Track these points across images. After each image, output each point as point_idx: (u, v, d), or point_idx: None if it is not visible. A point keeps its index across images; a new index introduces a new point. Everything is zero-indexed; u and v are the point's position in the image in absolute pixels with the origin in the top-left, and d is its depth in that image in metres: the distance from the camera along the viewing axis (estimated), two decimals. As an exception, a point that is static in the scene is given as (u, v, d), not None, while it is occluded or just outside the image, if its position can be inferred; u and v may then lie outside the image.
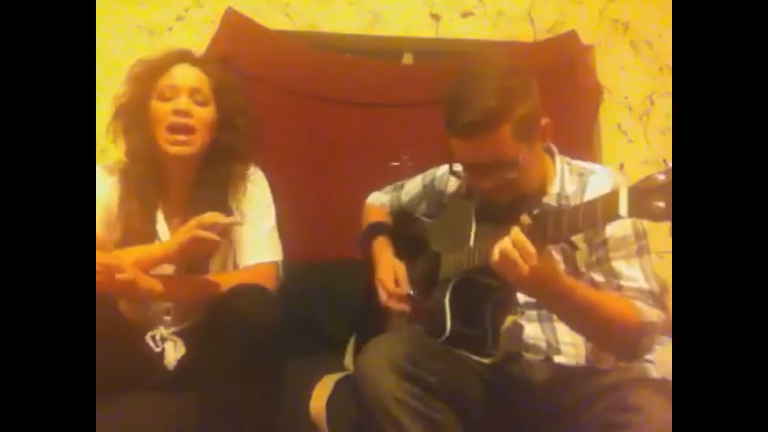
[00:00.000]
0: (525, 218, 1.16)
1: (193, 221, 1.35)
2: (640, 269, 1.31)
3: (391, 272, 1.59)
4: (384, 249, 1.66)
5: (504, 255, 1.14)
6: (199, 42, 2.25)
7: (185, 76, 1.49)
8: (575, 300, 1.22)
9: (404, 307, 1.56)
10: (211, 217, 1.34)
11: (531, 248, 1.12)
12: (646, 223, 1.33)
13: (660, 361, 1.64)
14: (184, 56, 1.55)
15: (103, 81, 2.13)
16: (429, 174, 1.68)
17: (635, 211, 1.01)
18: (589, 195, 1.33)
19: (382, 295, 1.57)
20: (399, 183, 1.77)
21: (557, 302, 1.24)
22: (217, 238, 1.33)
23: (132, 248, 1.41)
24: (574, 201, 1.36)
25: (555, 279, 1.19)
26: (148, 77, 1.50)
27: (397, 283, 1.57)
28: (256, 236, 1.52)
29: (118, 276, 1.27)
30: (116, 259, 1.29)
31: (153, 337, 1.46)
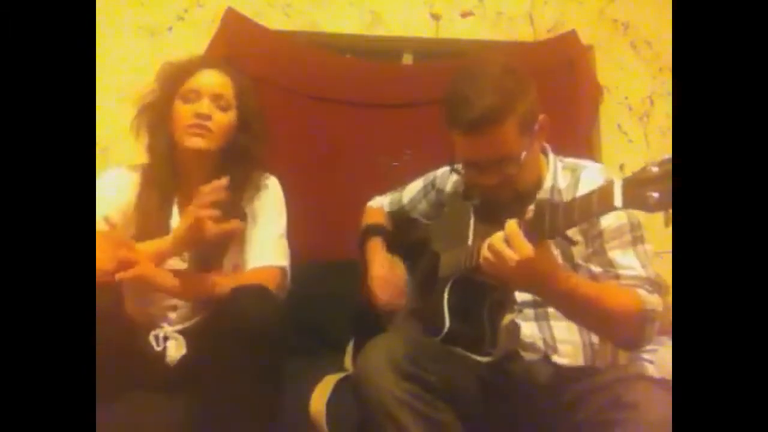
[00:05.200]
0: (530, 209, 1.17)
1: (192, 205, 1.38)
2: (636, 257, 1.32)
3: (382, 271, 1.59)
4: (377, 249, 1.67)
5: (491, 248, 1.16)
6: (199, 42, 2.26)
7: (209, 81, 1.54)
8: (575, 293, 1.22)
9: (400, 303, 1.56)
10: (208, 188, 1.37)
11: (524, 240, 1.13)
12: (642, 218, 1.34)
13: (660, 361, 1.64)
14: (210, 61, 1.61)
15: (103, 81, 2.15)
16: (430, 174, 1.71)
17: (630, 202, 1.02)
18: (582, 189, 1.35)
19: (380, 296, 1.57)
20: (401, 187, 1.78)
21: (556, 296, 1.24)
22: (216, 212, 1.35)
23: (142, 243, 1.44)
24: (567, 195, 1.38)
25: (552, 272, 1.20)
26: (175, 79, 1.55)
27: (391, 274, 1.57)
28: (265, 240, 1.55)
29: (132, 270, 1.31)
30: (133, 253, 1.34)
31: (156, 336, 1.46)
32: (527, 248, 1.13)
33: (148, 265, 1.36)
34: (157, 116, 1.55)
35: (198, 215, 1.35)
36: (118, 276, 1.30)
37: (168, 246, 1.42)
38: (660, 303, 1.30)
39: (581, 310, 1.26)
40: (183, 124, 1.50)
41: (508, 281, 1.21)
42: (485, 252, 1.19)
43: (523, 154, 1.33)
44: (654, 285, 1.31)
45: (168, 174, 1.55)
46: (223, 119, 1.53)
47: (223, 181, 1.37)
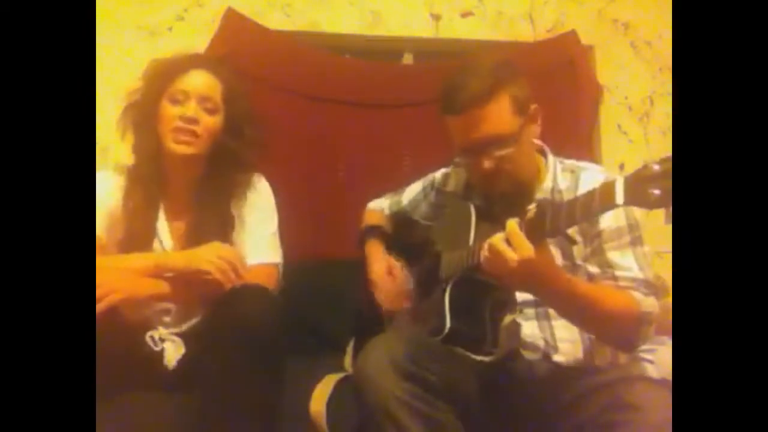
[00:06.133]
0: (531, 208, 1.18)
1: (216, 251, 1.39)
2: (634, 259, 1.33)
3: (383, 271, 1.60)
4: (376, 251, 1.67)
5: (492, 248, 1.17)
6: (199, 42, 2.25)
7: (198, 82, 1.51)
8: (573, 294, 1.23)
9: (405, 304, 1.56)
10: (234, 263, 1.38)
11: (525, 239, 1.14)
12: (639, 216, 1.35)
13: (660, 361, 1.64)
14: (199, 61, 1.58)
15: (103, 81, 2.15)
16: (429, 176, 1.71)
17: (631, 199, 1.02)
18: (582, 190, 1.35)
19: (383, 301, 1.58)
20: (401, 189, 1.78)
21: (554, 296, 1.25)
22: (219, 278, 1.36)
23: (144, 255, 1.46)
24: (568, 196, 1.38)
25: (551, 273, 1.20)
26: (162, 79, 1.52)
27: (392, 275, 1.58)
28: (258, 238, 1.54)
29: (109, 298, 1.31)
30: (103, 284, 1.32)
31: (152, 337, 1.46)
32: (528, 248, 1.13)
33: (123, 287, 1.35)
34: (143, 116, 1.52)
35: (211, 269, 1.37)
36: (98, 308, 1.29)
37: (171, 266, 1.41)
38: (656, 305, 1.31)
39: (578, 311, 1.27)
40: (169, 127, 1.48)
41: (508, 281, 1.21)
42: (485, 252, 1.19)
43: (518, 133, 1.35)
44: (650, 287, 1.32)
45: (154, 174, 1.53)
46: (209, 122, 1.50)
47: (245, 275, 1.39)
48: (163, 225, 1.54)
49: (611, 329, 1.29)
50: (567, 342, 1.37)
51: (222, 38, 2.27)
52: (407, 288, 1.59)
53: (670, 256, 1.06)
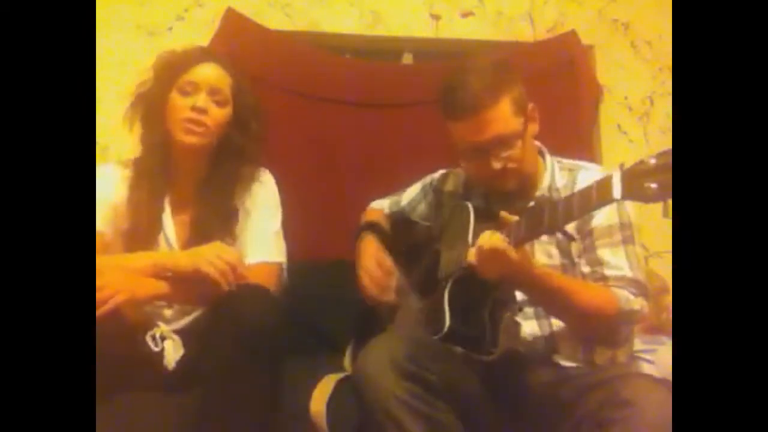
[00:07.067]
0: (506, 215, 1.24)
1: (217, 252, 1.37)
2: (625, 258, 1.34)
3: (371, 261, 1.60)
4: (369, 244, 1.66)
5: (479, 252, 1.22)
6: (199, 42, 2.24)
7: (208, 74, 1.52)
8: (549, 287, 1.27)
9: (391, 297, 1.57)
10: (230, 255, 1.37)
11: (499, 244, 1.19)
12: (633, 216, 1.37)
13: (660, 361, 1.64)
14: (209, 54, 1.59)
15: (103, 81, 2.15)
16: (427, 177, 1.72)
17: (628, 193, 1.03)
18: (579, 188, 1.36)
19: (368, 287, 1.58)
20: (401, 190, 1.79)
21: (530, 289, 1.31)
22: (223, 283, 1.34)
23: (151, 253, 1.46)
24: (565, 193, 1.40)
25: (525, 265, 1.24)
26: (172, 71, 1.52)
27: (380, 267, 1.59)
28: (262, 236, 1.53)
29: (110, 302, 1.29)
30: (105, 286, 1.30)
31: (153, 337, 1.46)
32: (498, 239, 1.19)
33: (125, 288, 1.33)
34: (151, 107, 1.53)
35: (211, 272, 1.34)
36: (102, 310, 1.27)
37: (171, 265, 1.41)
38: (644, 305, 1.33)
39: (554, 302, 1.31)
40: (178, 118, 1.48)
41: (487, 273, 1.26)
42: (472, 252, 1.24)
43: (521, 131, 1.37)
44: (640, 287, 1.33)
45: (160, 166, 1.53)
46: (218, 114, 1.50)
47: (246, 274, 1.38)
48: (167, 218, 1.54)
49: (589, 324, 1.32)
50: (567, 341, 1.37)
51: (222, 38, 2.27)
52: (393, 282, 1.58)
53: (670, 256, 1.06)
